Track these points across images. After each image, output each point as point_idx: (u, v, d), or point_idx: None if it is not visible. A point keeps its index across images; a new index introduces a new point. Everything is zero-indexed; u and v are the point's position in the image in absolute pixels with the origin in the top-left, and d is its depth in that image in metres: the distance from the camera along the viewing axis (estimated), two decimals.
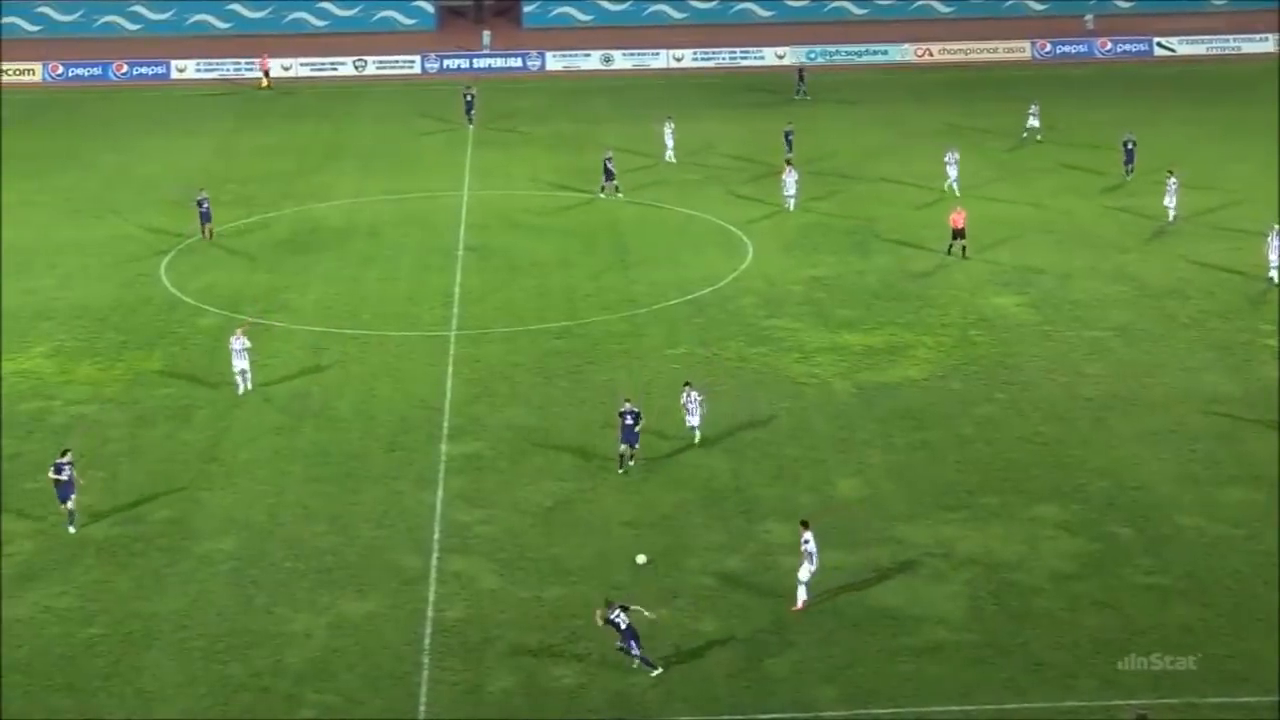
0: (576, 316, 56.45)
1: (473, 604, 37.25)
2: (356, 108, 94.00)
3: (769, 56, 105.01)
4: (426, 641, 35.63)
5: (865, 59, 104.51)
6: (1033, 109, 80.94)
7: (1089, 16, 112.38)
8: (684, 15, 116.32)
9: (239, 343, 49.17)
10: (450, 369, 51.65)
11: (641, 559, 37.92)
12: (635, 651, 33.99)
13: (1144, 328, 54.50)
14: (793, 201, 68.24)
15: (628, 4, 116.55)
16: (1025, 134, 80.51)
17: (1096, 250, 62.91)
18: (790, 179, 68.38)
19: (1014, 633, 35.81)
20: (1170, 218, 65.35)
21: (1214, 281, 58.88)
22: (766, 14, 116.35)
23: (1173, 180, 65.53)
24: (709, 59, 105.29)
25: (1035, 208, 68.93)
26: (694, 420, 44.94)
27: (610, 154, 72.41)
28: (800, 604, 36.65)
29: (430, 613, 36.83)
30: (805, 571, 36.55)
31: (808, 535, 36.67)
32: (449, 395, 49.48)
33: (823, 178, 74.06)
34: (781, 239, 64.94)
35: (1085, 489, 42.55)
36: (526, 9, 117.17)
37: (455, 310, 57.30)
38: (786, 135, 76.75)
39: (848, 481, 43.24)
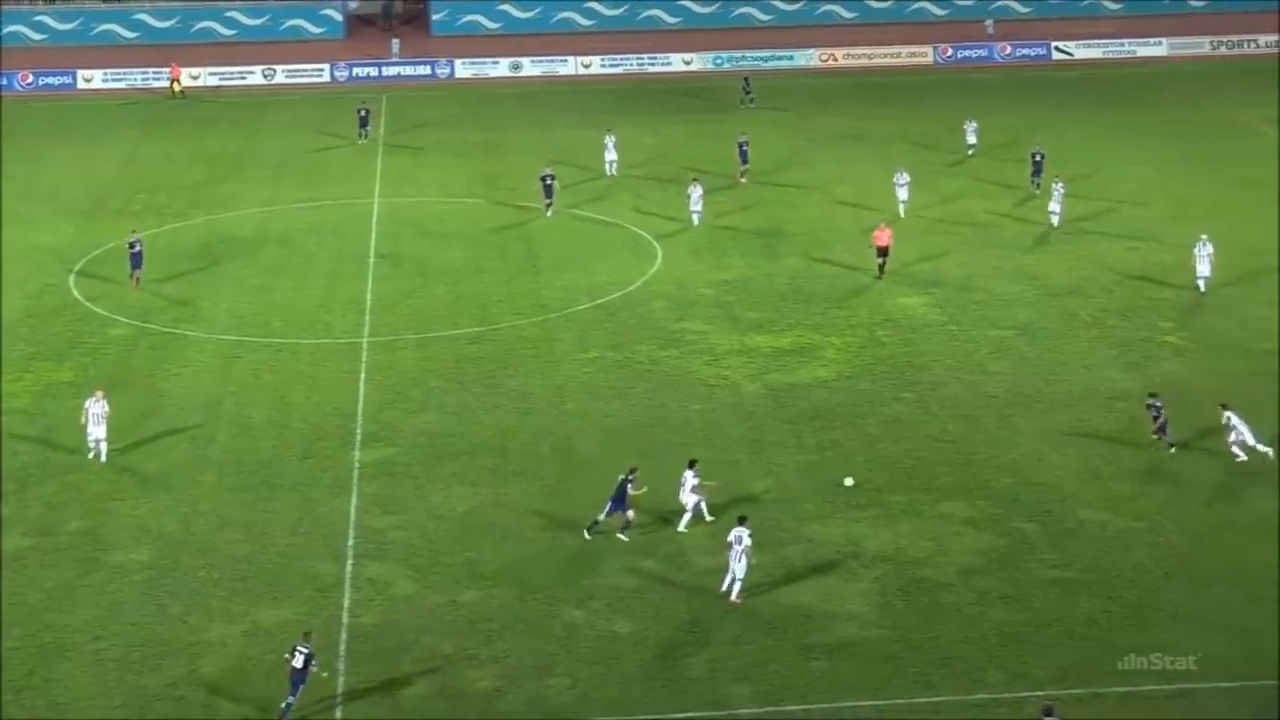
0: (489, 322, 56.69)
1: (388, 610, 37.44)
2: (266, 116, 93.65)
3: (676, 63, 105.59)
4: (342, 648, 35.76)
5: (771, 65, 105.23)
6: (970, 125, 79.47)
7: (989, 21, 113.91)
8: (592, 22, 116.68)
9: (98, 406, 45.09)
10: (363, 376, 51.75)
11: (849, 481, 42.47)
12: (290, 699, 33.04)
13: (1046, 326, 55.47)
14: (698, 217, 67.15)
15: (536, 12, 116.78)
16: (970, 151, 78.60)
17: (1000, 250, 63.87)
18: (696, 193, 67.32)
19: (923, 628, 36.45)
20: (1054, 223, 66.13)
21: (1113, 280, 59.99)
22: (673, 20, 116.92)
23: (1059, 186, 66.34)
24: (617, 65, 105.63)
25: (940, 209, 69.75)
26: (699, 499, 41.04)
27: (550, 170, 70.13)
28: (736, 597, 37.34)
29: (345, 619, 36.98)
30: (740, 568, 37.17)
31: (738, 531, 37.32)
32: (362, 402, 49.59)
33: (731, 181, 74.63)
34: (690, 243, 65.45)
35: (991, 485, 43.33)
36: (435, 17, 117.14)
37: (367, 317, 57.36)
38: (740, 146, 75.17)
39: (759, 482, 43.76)
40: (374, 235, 67.77)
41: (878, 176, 72.63)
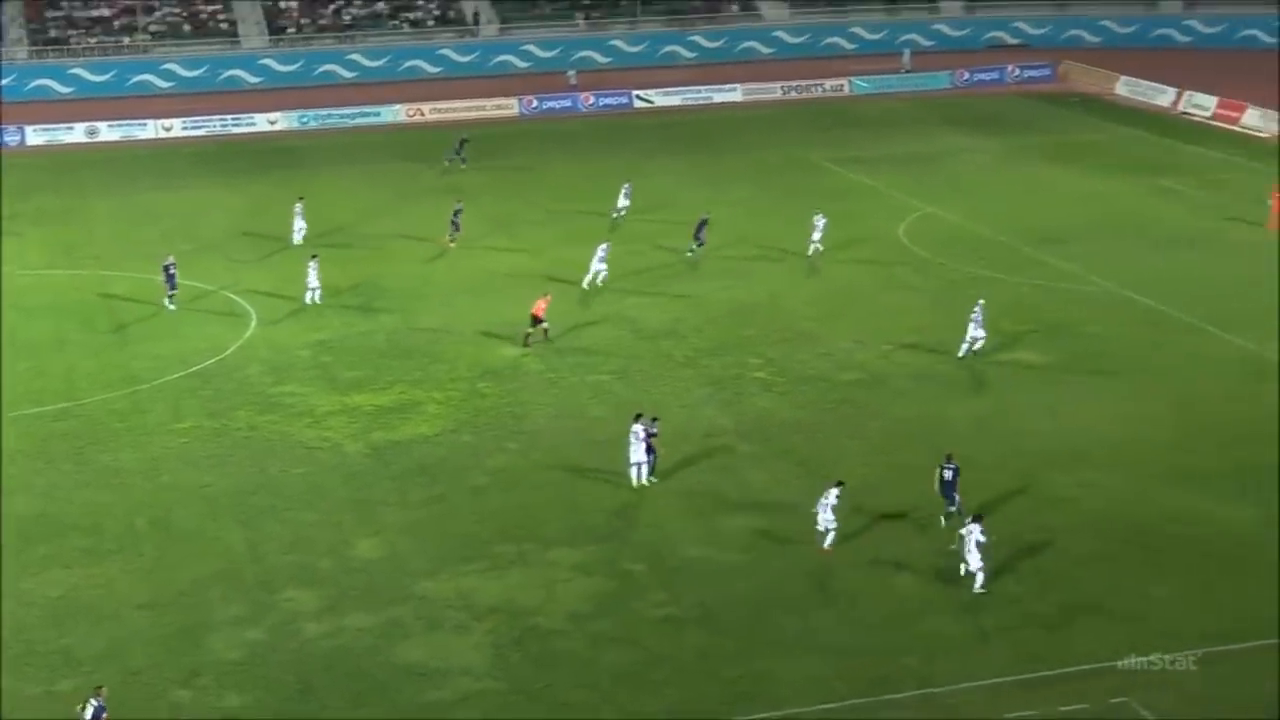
0: (75, 397, 54.52)
1: None
2: None
3: (261, 123, 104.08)
4: None
5: (358, 121, 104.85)
6: (625, 188, 78.07)
7: (571, 72, 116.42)
8: (170, 84, 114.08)
9: None
10: None
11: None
12: None
13: (642, 369, 56.58)
14: (317, 294, 64.33)
15: (110, 75, 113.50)
16: (616, 214, 76.82)
17: (593, 296, 64.89)
18: (314, 270, 64.41)
19: (538, 676, 36.62)
20: (818, 249, 69.24)
21: (704, 320, 61.69)
22: (255, 80, 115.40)
23: (820, 219, 69.40)
24: (199, 127, 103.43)
25: (531, 258, 70.45)
26: (977, 562, 40.05)
27: (171, 260, 65.03)
28: (980, 587, 39.82)
29: None
30: (974, 558, 39.76)
31: (971, 526, 39.85)
32: None
33: (324, 236, 73.62)
34: (285, 305, 64.34)
35: (598, 529, 43.88)
36: (2, 82, 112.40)
37: None
38: (455, 213, 72.65)
39: (366, 542, 43.27)
40: None
41: (471, 227, 72.93)
